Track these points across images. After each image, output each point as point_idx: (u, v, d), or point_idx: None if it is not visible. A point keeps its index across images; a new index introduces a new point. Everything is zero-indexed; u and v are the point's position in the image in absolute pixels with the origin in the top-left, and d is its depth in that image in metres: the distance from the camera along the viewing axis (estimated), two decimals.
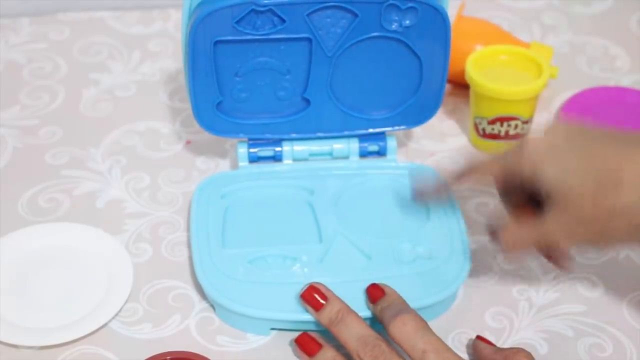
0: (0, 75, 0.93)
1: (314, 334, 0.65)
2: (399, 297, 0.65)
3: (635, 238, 0.61)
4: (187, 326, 0.69)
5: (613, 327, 0.69)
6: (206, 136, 0.85)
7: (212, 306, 0.70)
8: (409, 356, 0.61)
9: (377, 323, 0.65)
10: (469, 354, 0.67)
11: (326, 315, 0.64)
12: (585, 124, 0.63)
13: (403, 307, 0.64)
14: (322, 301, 0.65)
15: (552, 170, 0.61)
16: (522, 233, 0.65)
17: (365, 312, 0.66)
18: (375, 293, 0.66)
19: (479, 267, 0.74)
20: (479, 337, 0.66)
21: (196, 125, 0.84)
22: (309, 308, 0.65)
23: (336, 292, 0.66)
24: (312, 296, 0.65)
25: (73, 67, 0.94)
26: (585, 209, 0.60)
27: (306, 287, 0.66)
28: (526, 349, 0.63)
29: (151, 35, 0.98)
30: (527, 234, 0.64)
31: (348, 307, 0.65)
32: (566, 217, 0.61)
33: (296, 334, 0.65)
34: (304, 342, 0.64)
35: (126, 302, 0.70)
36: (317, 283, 0.66)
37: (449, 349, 0.61)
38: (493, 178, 0.66)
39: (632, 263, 0.74)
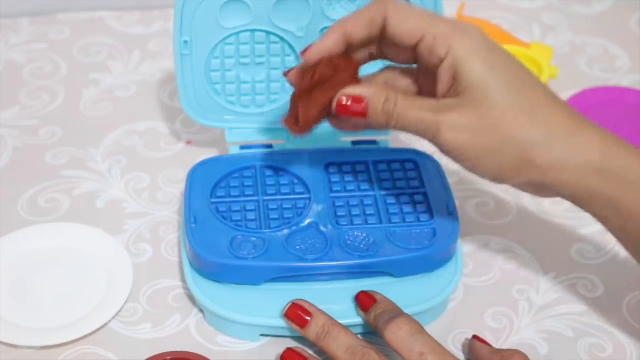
0: (0, 75, 0.93)
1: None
2: (391, 303, 0.65)
3: (511, 173, 0.60)
4: (187, 326, 0.69)
5: (613, 327, 0.69)
6: (206, 136, 0.85)
7: (202, 311, 0.70)
8: None
9: (365, 332, 0.65)
10: (468, 354, 0.67)
11: (312, 330, 0.64)
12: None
13: (397, 312, 0.64)
14: (306, 317, 0.64)
15: (480, 64, 0.59)
16: (417, 100, 0.61)
17: (356, 318, 0.66)
18: (366, 301, 0.66)
19: (479, 267, 0.74)
20: (475, 337, 0.66)
21: (196, 125, 0.85)
22: (294, 326, 0.65)
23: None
24: (296, 314, 0.65)
25: (73, 67, 0.94)
26: (484, 119, 0.58)
27: (289, 305, 0.65)
28: (526, 349, 0.63)
29: (151, 35, 0.98)
30: (420, 110, 0.60)
31: (333, 319, 0.64)
32: (464, 116, 0.59)
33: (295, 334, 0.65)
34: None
35: (126, 302, 0.70)
36: (300, 300, 0.65)
37: (446, 351, 0.61)
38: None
39: (632, 263, 0.74)
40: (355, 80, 0.63)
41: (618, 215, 0.60)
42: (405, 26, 0.60)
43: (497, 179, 0.60)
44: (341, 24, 0.61)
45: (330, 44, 0.61)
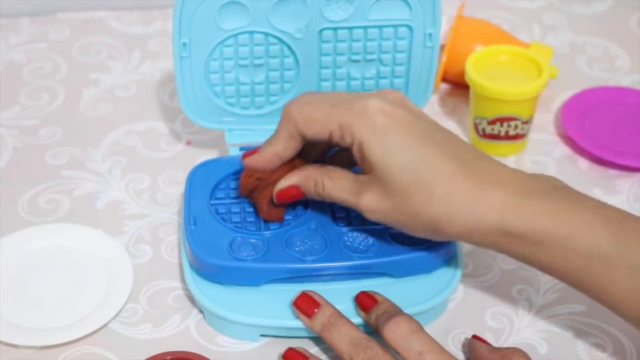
0: (0, 75, 0.93)
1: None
2: (392, 303, 0.65)
3: (432, 237, 0.64)
4: (187, 326, 0.69)
5: (613, 327, 0.69)
6: (206, 136, 0.85)
7: (202, 312, 0.70)
8: (405, 359, 0.61)
9: (369, 329, 0.65)
10: (468, 353, 0.67)
11: (318, 321, 0.64)
12: (424, 113, 0.64)
13: (397, 311, 0.64)
14: (314, 308, 0.65)
15: (379, 149, 0.61)
16: (340, 181, 0.65)
17: (356, 319, 0.66)
18: (366, 302, 0.66)
19: (479, 267, 0.74)
20: (474, 337, 0.66)
21: (196, 126, 0.85)
22: (301, 315, 0.65)
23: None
24: (305, 303, 0.65)
25: (73, 67, 0.94)
26: (393, 200, 0.62)
27: (298, 294, 0.66)
28: (526, 349, 0.63)
29: (151, 35, 0.98)
30: (341, 192, 0.65)
31: (339, 312, 0.64)
32: (377, 196, 0.63)
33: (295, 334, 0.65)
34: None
35: (126, 302, 0.70)
36: (309, 290, 0.66)
37: (444, 350, 0.61)
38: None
39: None
40: (291, 169, 0.68)
41: (531, 264, 0.62)
42: (314, 129, 0.64)
43: (423, 237, 0.65)
44: (269, 146, 0.67)
45: (265, 164, 0.68)
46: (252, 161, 0.68)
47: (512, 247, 0.61)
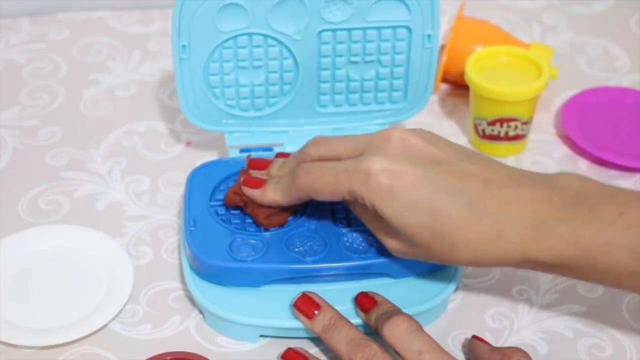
0: (0, 75, 0.93)
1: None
2: (392, 304, 0.65)
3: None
4: (186, 327, 0.69)
5: (613, 327, 0.69)
6: (206, 137, 0.85)
7: (202, 312, 0.70)
8: (404, 358, 0.61)
9: (368, 330, 0.65)
10: (468, 353, 0.67)
11: (319, 322, 0.64)
12: (425, 148, 0.63)
13: (397, 311, 0.64)
14: (314, 310, 0.65)
15: (392, 211, 0.61)
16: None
17: (356, 319, 0.66)
18: (366, 302, 0.66)
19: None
20: (474, 337, 0.66)
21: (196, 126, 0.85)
22: (301, 317, 0.65)
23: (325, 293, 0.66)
24: (305, 305, 0.65)
25: (73, 67, 0.94)
26: (418, 250, 0.62)
27: (298, 296, 0.66)
28: (526, 349, 0.63)
29: (151, 35, 0.98)
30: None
31: (340, 314, 0.65)
32: (403, 244, 0.63)
33: (293, 336, 0.65)
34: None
35: (126, 303, 0.70)
36: (309, 292, 0.66)
37: (444, 350, 0.61)
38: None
39: None
40: None
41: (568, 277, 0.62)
42: (324, 196, 0.64)
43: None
44: (274, 194, 0.68)
45: (263, 203, 0.68)
46: (251, 194, 0.68)
47: (546, 271, 0.61)
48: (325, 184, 0.64)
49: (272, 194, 0.67)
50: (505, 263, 0.61)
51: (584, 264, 0.59)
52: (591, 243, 0.58)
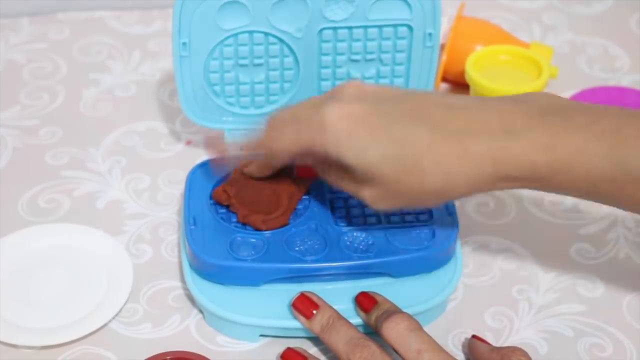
0: (0, 75, 0.93)
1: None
2: (392, 304, 0.65)
3: (442, 203, 0.63)
4: (186, 326, 0.69)
5: (613, 327, 0.69)
6: (206, 136, 0.85)
7: (201, 311, 0.70)
8: (403, 357, 0.61)
9: (368, 330, 0.65)
10: (468, 353, 0.67)
11: (317, 322, 0.64)
12: (381, 90, 0.62)
13: (397, 311, 0.64)
14: (312, 310, 0.65)
15: (352, 153, 0.60)
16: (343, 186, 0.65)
17: (356, 319, 0.66)
18: (366, 302, 0.65)
19: (479, 267, 0.74)
20: (474, 336, 0.66)
21: (196, 125, 0.85)
22: (300, 317, 0.65)
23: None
24: (304, 304, 0.65)
25: (73, 67, 0.94)
26: (390, 189, 0.60)
27: (297, 295, 0.66)
28: (526, 348, 0.63)
29: (151, 35, 0.98)
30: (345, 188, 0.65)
31: (338, 313, 0.64)
32: (375, 189, 0.61)
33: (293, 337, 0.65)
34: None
35: (126, 302, 0.70)
36: (308, 292, 0.66)
37: (443, 350, 0.61)
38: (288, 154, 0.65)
39: (632, 263, 0.74)
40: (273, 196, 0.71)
41: (548, 192, 0.61)
42: (286, 158, 0.66)
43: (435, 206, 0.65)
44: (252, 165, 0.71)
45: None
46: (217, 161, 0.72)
47: (521, 186, 0.59)
48: (285, 143, 0.64)
49: (252, 167, 0.70)
50: (479, 184, 0.59)
51: (559, 173, 0.57)
52: (566, 148, 0.56)
